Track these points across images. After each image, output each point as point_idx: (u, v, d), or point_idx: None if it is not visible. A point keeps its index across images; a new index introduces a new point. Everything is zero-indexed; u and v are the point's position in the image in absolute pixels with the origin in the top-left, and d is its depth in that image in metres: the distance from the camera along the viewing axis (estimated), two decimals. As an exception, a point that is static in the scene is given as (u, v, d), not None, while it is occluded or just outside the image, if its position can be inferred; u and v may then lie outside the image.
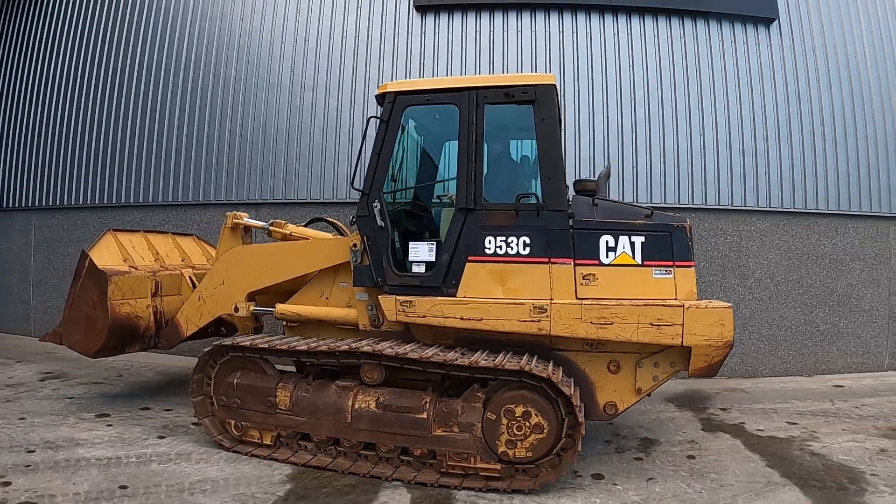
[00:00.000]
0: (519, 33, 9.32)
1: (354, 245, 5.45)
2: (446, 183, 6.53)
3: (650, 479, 4.84)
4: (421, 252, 5.22)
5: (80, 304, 6.11)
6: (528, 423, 4.54)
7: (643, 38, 9.27)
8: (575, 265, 4.83)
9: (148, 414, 6.26)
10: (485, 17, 9.35)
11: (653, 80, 9.16)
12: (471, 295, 4.93)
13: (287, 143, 9.52)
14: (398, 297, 5.09)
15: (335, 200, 9.25)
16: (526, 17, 9.31)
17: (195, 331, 6.38)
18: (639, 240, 4.82)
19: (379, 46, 9.43)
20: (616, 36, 9.29)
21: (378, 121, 5.35)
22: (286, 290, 6.13)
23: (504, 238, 4.93)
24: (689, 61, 9.24)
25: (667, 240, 4.83)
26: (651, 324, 4.63)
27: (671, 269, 4.79)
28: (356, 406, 4.89)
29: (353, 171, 5.57)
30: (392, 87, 5.40)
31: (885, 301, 9.35)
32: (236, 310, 6.02)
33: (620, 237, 4.84)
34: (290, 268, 5.95)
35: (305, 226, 6.72)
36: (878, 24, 9.90)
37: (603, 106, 9.10)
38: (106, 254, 6.32)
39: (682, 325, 4.61)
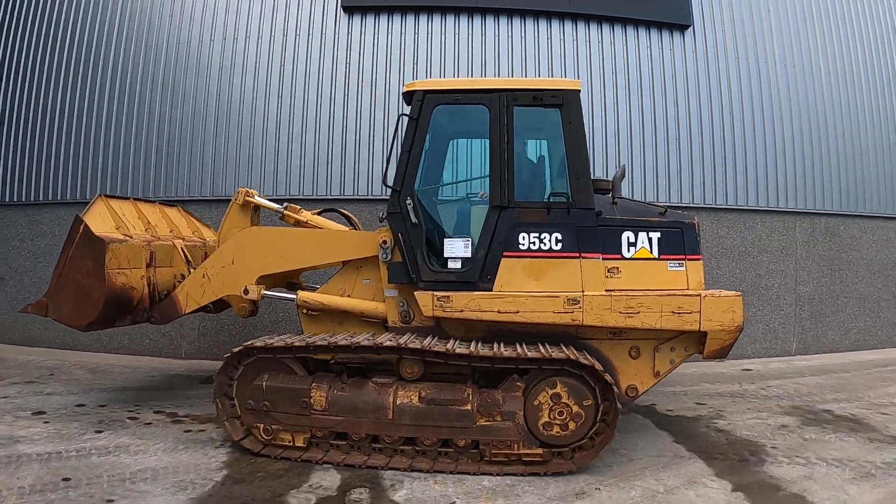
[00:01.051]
0: (443, 36, 9.73)
1: (384, 242, 5.59)
2: (469, 182, 6.93)
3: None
4: (456, 248, 5.43)
5: (71, 272, 5.78)
6: (569, 410, 4.92)
7: (562, 42, 9.85)
8: (602, 259, 5.30)
9: (84, 410, 6.36)
10: (411, 19, 9.72)
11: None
12: (507, 289, 5.24)
13: (215, 141, 9.69)
14: (435, 293, 5.29)
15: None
16: (450, 20, 9.73)
17: (195, 309, 6.28)
18: (655, 235, 5.35)
19: (307, 45, 9.69)
20: (550, 40, 9.86)
21: (408, 119, 5.52)
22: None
23: (537, 234, 5.28)
24: (614, 64, 9.90)
25: (679, 235, 5.39)
26: (673, 312, 5.15)
27: (683, 262, 5.36)
28: (398, 402, 5.01)
29: (384, 168, 5.75)
30: (420, 86, 5.59)
31: (791, 290, 10.26)
32: (246, 292, 5.90)
33: (640, 233, 5.35)
34: (311, 256, 6.02)
35: (318, 214, 6.72)
36: (789, 31, 10.75)
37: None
38: (100, 220, 5.95)
39: (700, 312, 5.15)
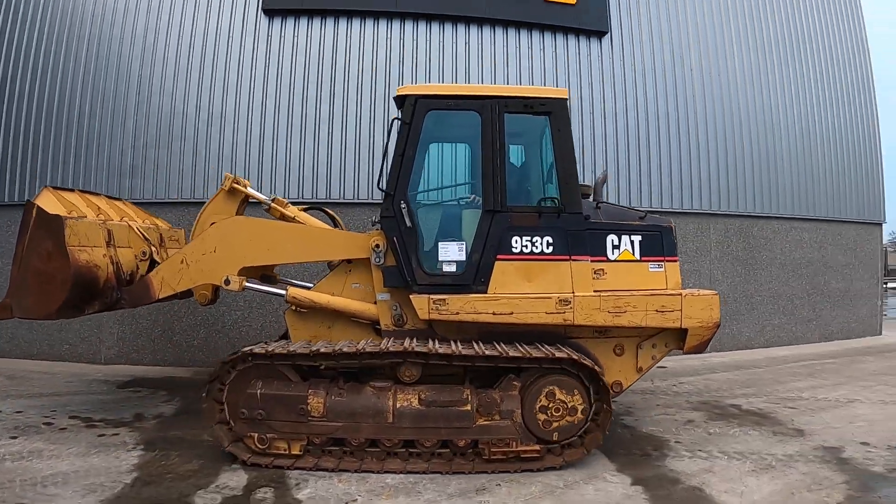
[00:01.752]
0: (362, 40, 9.93)
1: (377, 245, 5.68)
2: (453, 187, 7.10)
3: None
4: (451, 252, 5.58)
5: (30, 261, 5.57)
6: (565, 407, 5.15)
7: (480, 46, 10.16)
8: (591, 261, 5.59)
9: None
10: (331, 23, 9.89)
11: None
12: (501, 291, 5.45)
13: (134, 142, 9.69)
14: (431, 296, 5.42)
15: (168, 200, 9.56)
16: (370, 24, 9.94)
17: (169, 294, 6.07)
18: (637, 238, 5.69)
19: (226, 48, 9.77)
20: (468, 45, 10.15)
21: (400, 123, 5.63)
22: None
23: (529, 238, 5.51)
24: (535, 70, 10.25)
25: (658, 238, 5.76)
26: (656, 310, 5.51)
27: (663, 263, 5.72)
28: (398, 405, 5.09)
29: (378, 172, 5.83)
30: (413, 91, 5.72)
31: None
32: (227, 282, 5.81)
33: (623, 236, 5.68)
34: (298, 251, 6.04)
35: (303, 211, 6.68)
36: (706, 38, 11.30)
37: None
38: (51, 205, 5.70)
39: (681, 310, 5.53)
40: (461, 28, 10.10)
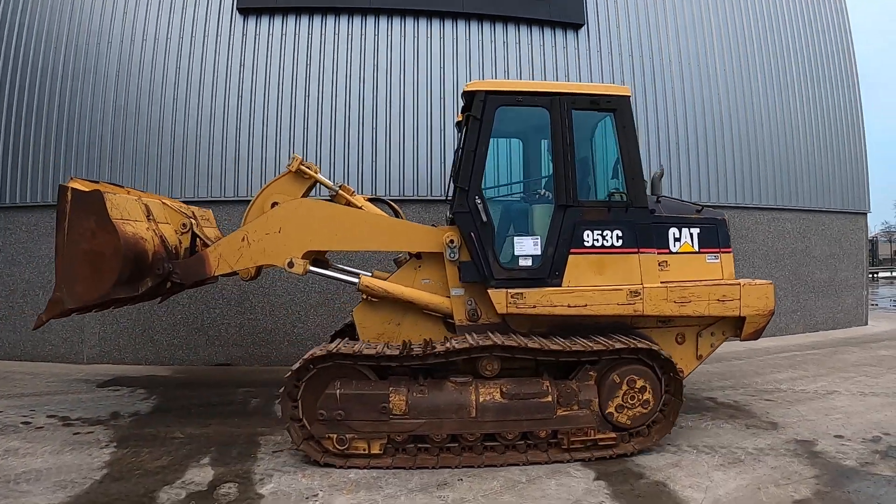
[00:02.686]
0: (336, 37, 10.02)
1: (451, 241, 5.75)
2: (525, 182, 7.16)
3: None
4: (526, 246, 5.72)
5: (74, 244, 5.47)
6: (640, 395, 5.41)
7: (454, 41, 10.26)
8: (656, 254, 5.84)
9: None
10: (305, 20, 9.99)
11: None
12: (574, 284, 5.63)
13: (112, 142, 9.82)
14: (508, 291, 5.57)
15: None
16: (343, 21, 10.02)
17: (226, 272, 5.98)
18: (695, 231, 5.97)
19: (202, 46, 9.87)
20: (441, 39, 10.22)
21: (471, 119, 5.71)
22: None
23: (600, 231, 5.71)
24: (510, 64, 10.35)
25: (715, 230, 6.06)
26: (718, 300, 5.80)
27: (718, 254, 6.03)
28: (481, 399, 5.21)
29: (455, 168, 5.92)
30: (482, 87, 5.80)
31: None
32: (290, 265, 5.74)
33: (683, 229, 5.95)
34: (368, 240, 6.06)
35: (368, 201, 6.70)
36: (685, 29, 11.39)
37: (427, 107, 10.05)
38: (84, 187, 5.66)
39: (740, 299, 5.83)
40: (436, 23, 10.20)
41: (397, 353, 5.25)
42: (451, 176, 6.43)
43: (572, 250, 5.70)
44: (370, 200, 6.80)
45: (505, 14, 10.25)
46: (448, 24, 10.23)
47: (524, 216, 6.25)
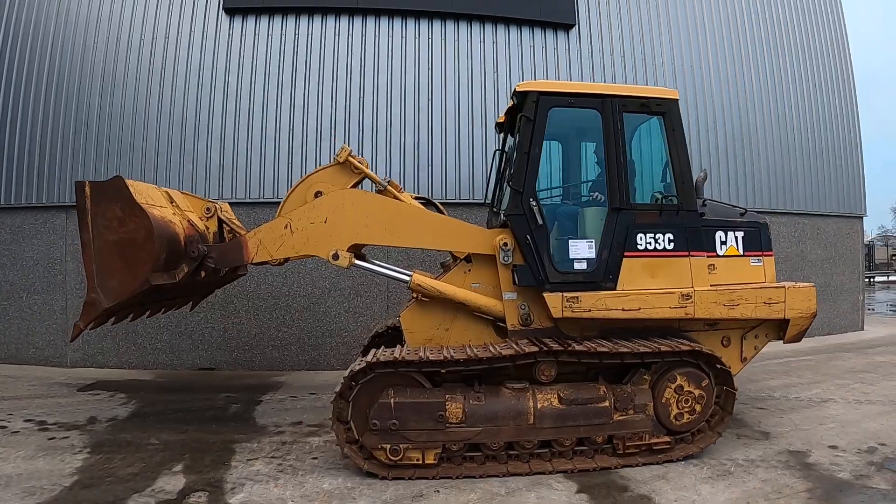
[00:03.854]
0: (323, 37, 9.98)
1: (505, 244, 5.66)
2: (579, 184, 7.09)
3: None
4: (581, 249, 5.69)
5: (102, 238, 5.28)
6: (693, 397, 5.43)
7: (443, 42, 10.22)
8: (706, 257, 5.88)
9: None
10: (292, 20, 9.94)
11: (464, 82, 10.15)
12: (628, 287, 5.63)
13: (97, 142, 9.76)
14: (564, 294, 5.54)
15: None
16: (331, 21, 9.98)
17: (265, 260, 5.76)
18: (740, 234, 6.02)
19: (188, 46, 9.82)
20: (429, 40, 10.18)
21: (524, 120, 5.67)
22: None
23: (652, 235, 5.71)
24: (500, 64, 10.31)
25: (758, 234, 6.11)
26: (764, 302, 5.85)
27: (761, 257, 6.09)
28: (538, 406, 5.15)
29: (499, 169, 5.92)
30: (535, 87, 5.78)
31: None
32: (336, 257, 5.62)
33: (728, 232, 5.98)
34: (419, 237, 5.90)
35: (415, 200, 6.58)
36: (678, 30, 11.34)
37: (414, 107, 10.01)
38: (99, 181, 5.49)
39: (785, 302, 5.90)
40: (423, 23, 10.15)
41: (558, 347, 5.23)
42: (489, 179, 6.52)
43: (626, 253, 5.69)
44: (416, 199, 6.64)
45: (495, 14, 10.21)
46: (437, 24, 10.19)
47: (576, 219, 6.18)
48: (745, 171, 11.62)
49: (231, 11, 9.86)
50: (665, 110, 5.91)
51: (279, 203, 6.07)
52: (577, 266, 5.69)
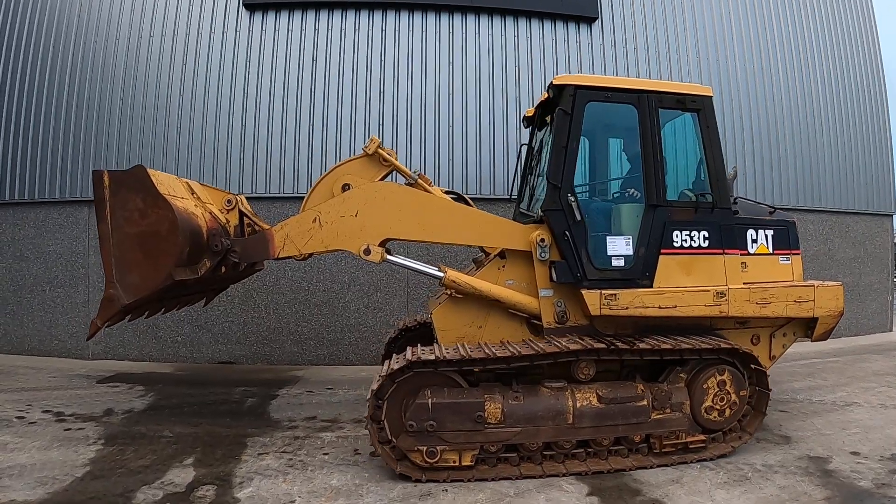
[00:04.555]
0: (343, 31, 9.99)
1: (542, 240, 5.62)
2: (614, 180, 7.08)
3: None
4: (619, 246, 5.67)
5: (121, 231, 5.04)
6: (728, 396, 5.46)
7: (464, 35, 10.18)
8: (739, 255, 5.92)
9: None
10: (312, 15, 9.96)
11: (485, 76, 10.11)
12: (665, 285, 5.63)
13: (118, 138, 9.86)
14: (602, 292, 5.51)
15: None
16: (350, 15, 9.99)
17: (292, 255, 5.59)
18: (769, 233, 6.05)
19: (208, 43, 9.91)
20: (451, 34, 10.15)
21: (562, 113, 5.63)
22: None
23: (688, 232, 5.72)
24: (521, 58, 10.24)
25: (786, 232, 6.14)
26: (794, 301, 5.91)
27: (789, 256, 6.13)
28: (578, 405, 5.10)
29: (526, 165, 5.94)
30: (572, 80, 5.73)
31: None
32: (367, 252, 5.48)
33: (759, 230, 6.01)
34: (454, 233, 5.77)
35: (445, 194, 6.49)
36: (703, 24, 11.17)
37: (435, 102, 9.98)
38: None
39: (814, 300, 5.95)
40: (444, 17, 10.11)
41: (602, 345, 5.21)
42: (514, 174, 6.49)
43: (663, 251, 5.67)
44: (446, 194, 6.53)
45: (516, 8, 10.15)
46: (457, 18, 10.14)
47: (614, 215, 6.15)
48: (772, 168, 11.41)
49: (251, 7, 9.90)
50: (700, 107, 5.87)
51: (293, 198, 6.04)
52: (614, 263, 5.66)
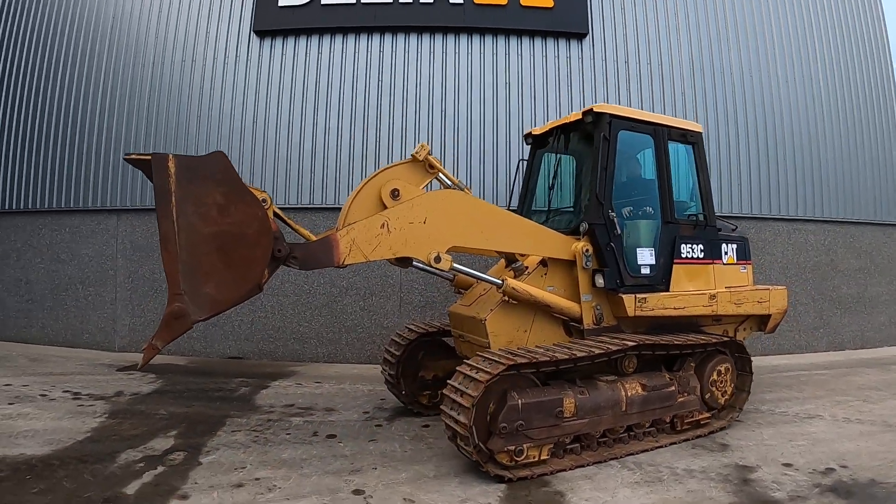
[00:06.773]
0: (354, 55, 11.02)
1: (587, 250, 6.39)
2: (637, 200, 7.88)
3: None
4: (646, 256, 6.74)
5: (194, 229, 4.36)
6: (727, 379, 6.94)
7: (457, 56, 11.04)
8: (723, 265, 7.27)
9: (9, 389, 7.94)
10: (315, 41, 11.08)
11: (477, 94, 10.99)
12: (677, 289, 6.85)
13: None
14: (636, 296, 6.51)
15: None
16: (351, 40, 11.04)
17: (357, 262, 5.43)
18: (734, 246, 7.41)
19: (222, 69, 11.14)
20: (444, 54, 11.05)
21: (602, 138, 6.49)
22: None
23: (690, 245, 7.01)
24: (512, 75, 11.08)
25: (744, 246, 7.54)
26: (758, 301, 7.42)
27: (746, 266, 7.51)
28: (629, 395, 6.03)
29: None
30: (609, 110, 6.63)
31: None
32: (437, 259, 5.63)
33: (729, 245, 7.38)
34: (509, 241, 6.20)
35: None
36: (698, 34, 11.70)
37: (440, 117, 10.90)
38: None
39: (769, 301, 7.51)
40: (438, 38, 11.00)
41: (653, 341, 6.32)
42: (512, 187, 7.81)
43: (676, 260, 6.89)
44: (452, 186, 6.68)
45: (507, 27, 10.90)
46: (451, 38, 11.01)
47: (639, 230, 7.04)
48: (770, 177, 11.70)
49: (261, 34, 11.06)
50: (695, 141, 7.24)
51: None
52: (643, 271, 6.71)
